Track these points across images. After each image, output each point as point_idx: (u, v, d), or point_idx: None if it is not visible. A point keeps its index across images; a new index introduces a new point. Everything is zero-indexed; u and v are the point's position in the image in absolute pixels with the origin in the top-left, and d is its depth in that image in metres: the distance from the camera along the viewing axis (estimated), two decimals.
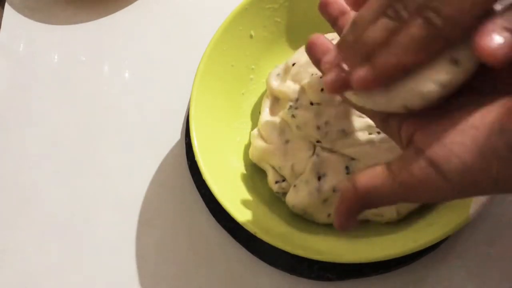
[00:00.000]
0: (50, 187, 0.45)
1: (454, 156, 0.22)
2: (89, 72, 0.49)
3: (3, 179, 0.46)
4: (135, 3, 0.52)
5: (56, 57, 0.51)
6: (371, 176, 0.25)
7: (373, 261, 0.33)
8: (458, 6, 0.21)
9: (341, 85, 0.25)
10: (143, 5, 0.52)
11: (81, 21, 0.52)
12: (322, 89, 0.37)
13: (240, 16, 0.41)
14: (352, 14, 0.30)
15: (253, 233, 0.35)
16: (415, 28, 0.22)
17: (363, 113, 0.31)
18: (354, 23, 0.26)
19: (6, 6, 0.53)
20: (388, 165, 0.24)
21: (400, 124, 0.26)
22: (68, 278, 0.41)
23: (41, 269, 0.42)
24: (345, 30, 0.27)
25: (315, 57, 0.31)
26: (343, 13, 0.31)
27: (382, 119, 0.28)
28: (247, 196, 0.39)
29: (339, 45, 0.26)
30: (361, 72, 0.24)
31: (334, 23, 0.31)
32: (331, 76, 0.26)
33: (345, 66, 0.25)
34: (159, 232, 0.42)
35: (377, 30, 0.24)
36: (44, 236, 0.43)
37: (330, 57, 0.26)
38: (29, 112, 0.48)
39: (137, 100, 0.48)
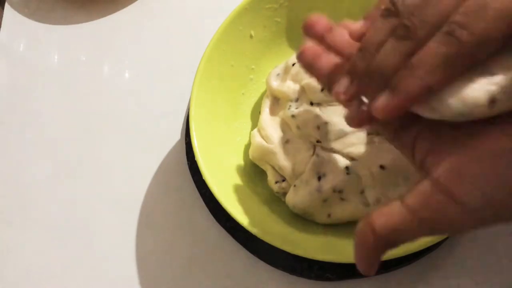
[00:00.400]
0: (50, 187, 0.45)
1: (474, 189, 0.21)
2: (89, 72, 0.49)
3: (3, 179, 0.46)
4: (135, 3, 0.52)
5: (56, 57, 0.51)
6: (387, 215, 0.23)
7: None
8: (485, 18, 0.20)
9: (366, 119, 0.24)
10: (143, 5, 0.52)
11: (81, 21, 0.52)
12: (322, 89, 0.37)
13: (240, 16, 0.41)
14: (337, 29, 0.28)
15: (253, 233, 0.35)
16: (436, 46, 0.21)
17: (376, 128, 0.29)
18: (363, 48, 0.24)
19: (6, 6, 0.53)
20: (403, 201, 0.23)
21: (413, 140, 0.24)
22: (68, 278, 0.41)
23: (41, 269, 0.42)
24: (354, 56, 0.25)
25: (306, 62, 0.28)
26: (329, 30, 0.28)
27: (395, 131, 0.26)
28: (247, 196, 0.38)
29: (350, 72, 0.25)
30: (382, 100, 0.23)
31: (321, 40, 0.28)
32: (352, 112, 0.25)
33: (364, 99, 0.24)
34: (159, 232, 0.42)
35: (391, 53, 0.23)
36: (44, 236, 0.43)
37: (342, 86, 0.25)
38: (29, 112, 0.48)
39: (137, 100, 0.48)
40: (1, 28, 0.52)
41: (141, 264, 0.41)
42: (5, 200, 0.45)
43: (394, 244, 0.24)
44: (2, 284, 0.42)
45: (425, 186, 0.23)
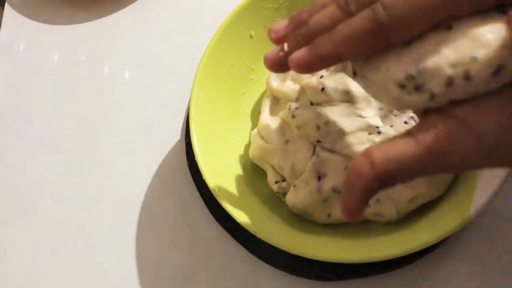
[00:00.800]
0: (50, 187, 0.45)
1: (487, 115, 0.20)
2: (89, 72, 0.49)
3: (3, 179, 0.46)
4: (135, 3, 0.52)
5: (56, 57, 0.51)
6: (390, 146, 0.21)
7: (373, 261, 0.33)
8: (410, 5, 0.20)
9: (278, 64, 0.26)
10: (143, 5, 0.52)
11: (81, 21, 0.52)
12: (322, 89, 0.37)
13: (240, 16, 0.41)
14: None
15: (253, 233, 0.35)
16: (358, 20, 0.22)
17: None
18: (313, 4, 0.26)
19: (6, 6, 0.53)
20: (409, 133, 0.22)
21: None
22: (67, 278, 0.41)
23: (40, 269, 0.42)
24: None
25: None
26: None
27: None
28: (247, 196, 0.39)
29: (290, 18, 0.27)
30: (298, 53, 0.24)
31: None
32: (270, 54, 0.27)
33: (285, 46, 0.26)
34: (159, 232, 0.42)
35: (324, 17, 0.24)
36: (44, 236, 0.43)
37: (279, 27, 0.27)
38: (29, 112, 0.48)
39: (137, 100, 0.48)
40: (1, 28, 0.52)
41: (141, 264, 0.41)
42: (5, 200, 0.45)
43: (393, 179, 0.22)
44: (2, 284, 0.42)
45: (433, 116, 0.21)
